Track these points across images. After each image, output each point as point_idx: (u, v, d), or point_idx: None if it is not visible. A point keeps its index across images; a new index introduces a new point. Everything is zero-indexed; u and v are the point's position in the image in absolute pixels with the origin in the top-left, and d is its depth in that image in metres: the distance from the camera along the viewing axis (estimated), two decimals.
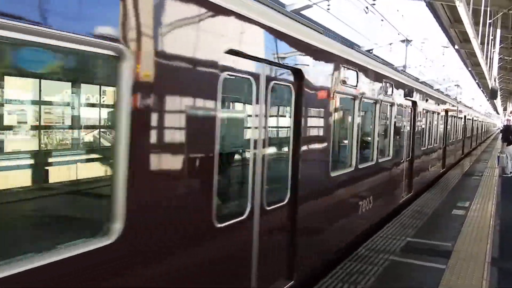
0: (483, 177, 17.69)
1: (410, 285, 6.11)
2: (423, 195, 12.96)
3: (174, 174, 3.42)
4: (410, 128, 11.91)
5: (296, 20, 5.75)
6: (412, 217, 10.03)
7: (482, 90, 52.05)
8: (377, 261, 6.90)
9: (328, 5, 19.30)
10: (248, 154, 4.54)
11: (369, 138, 8.68)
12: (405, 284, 6.13)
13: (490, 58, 21.59)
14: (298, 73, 5.27)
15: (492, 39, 19.57)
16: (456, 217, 10.12)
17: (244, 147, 4.66)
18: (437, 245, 7.88)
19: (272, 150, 5.06)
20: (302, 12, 20.25)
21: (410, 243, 7.96)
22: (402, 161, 11.00)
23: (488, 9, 16.53)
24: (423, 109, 13.12)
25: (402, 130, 10.94)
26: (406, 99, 11.02)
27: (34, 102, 5.25)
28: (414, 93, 11.98)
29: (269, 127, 4.81)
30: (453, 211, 10.75)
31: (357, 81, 7.35)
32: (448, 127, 19.09)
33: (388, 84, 9.28)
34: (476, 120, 38.05)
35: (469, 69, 35.62)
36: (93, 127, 6.21)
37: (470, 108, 39.26)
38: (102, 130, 6.03)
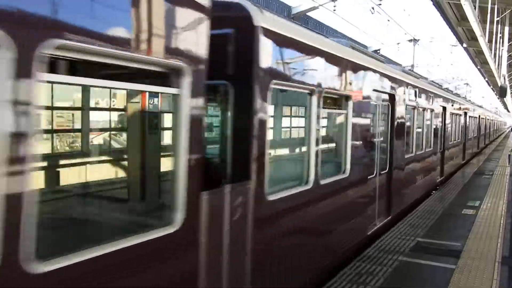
0: (493, 176, 17.56)
1: (420, 285, 6.10)
2: (434, 193, 12.92)
3: (359, 152, 7.43)
4: (442, 127, 15.75)
5: (382, 61, 9.31)
6: (422, 217, 10.01)
7: (492, 88, 51.52)
8: (386, 262, 6.90)
9: (334, 6, 19.34)
10: (376, 143, 8.42)
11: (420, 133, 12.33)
12: (414, 284, 6.13)
13: (498, 56, 21.40)
14: (392, 96, 9.23)
15: (500, 37, 19.41)
16: (466, 217, 10.08)
17: (375, 139, 8.43)
18: (447, 245, 7.86)
19: (382, 140, 8.88)
20: (308, 14, 20.27)
21: (420, 243, 7.95)
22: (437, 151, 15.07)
23: (496, 6, 16.40)
24: (450, 113, 17.23)
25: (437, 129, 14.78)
26: (440, 106, 15.03)
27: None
28: (446, 102, 16.31)
29: (381, 127, 8.79)
30: (463, 211, 10.71)
31: (417, 97, 11.39)
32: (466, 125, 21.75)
33: (433, 97, 13.63)
34: (489, 120, 38.16)
35: (478, 67, 35.29)
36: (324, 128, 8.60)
37: (481, 106, 39.00)
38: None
